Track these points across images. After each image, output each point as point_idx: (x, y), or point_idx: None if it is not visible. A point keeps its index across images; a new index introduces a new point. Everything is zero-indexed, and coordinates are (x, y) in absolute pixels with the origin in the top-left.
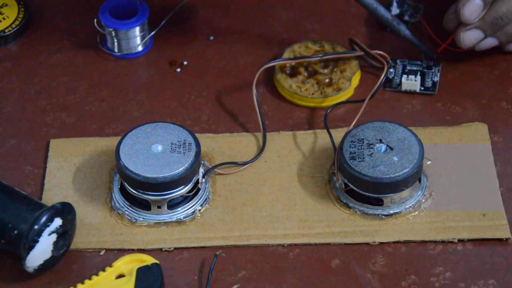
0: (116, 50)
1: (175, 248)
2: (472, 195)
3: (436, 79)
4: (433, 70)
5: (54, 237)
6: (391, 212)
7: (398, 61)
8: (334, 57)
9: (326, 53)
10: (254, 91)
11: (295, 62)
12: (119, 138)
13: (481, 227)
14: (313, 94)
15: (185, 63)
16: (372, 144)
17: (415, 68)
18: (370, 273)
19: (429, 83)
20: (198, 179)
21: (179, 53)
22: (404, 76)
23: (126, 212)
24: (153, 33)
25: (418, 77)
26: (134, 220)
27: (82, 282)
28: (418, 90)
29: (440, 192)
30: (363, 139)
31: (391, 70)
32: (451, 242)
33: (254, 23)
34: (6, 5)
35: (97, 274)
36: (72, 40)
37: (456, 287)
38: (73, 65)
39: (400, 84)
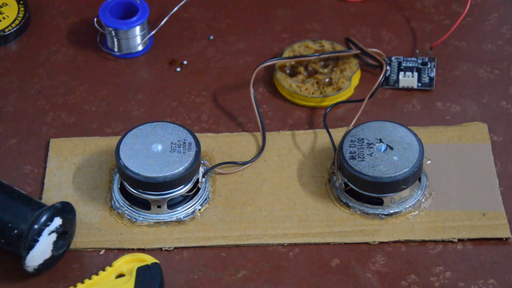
0: (116, 49)
1: (175, 248)
2: (472, 195)
3: (432, 74)
4: (428, 66)
5: (54, 236)
6: (391, 211)
7: (393, 58)
8: (332, 56)
9: (326, 52)
10: (252, 90)
11: (294, 61)
12: (119, 137)
13: (481, 226)
14: (313, 93)
15: (185, 62)
16: (372, 143)
17: (410, 65)
18: (370, 272)
19: (426, 79)
20: (198, 179)
21: (179, 52)
22: (401, 73)
23: (126, 212)
24: (153, 32)
25: (415, 74)
26: (134, 220)
27: (82, 282)
28: (415, 87)
29: (440, 191)
30: (363, 139)
31: (388, 67)
32: (451, 241)
33: (254, 23)
34: (6, 4)
35: (97, 274)
36: (72, 40)
37: (456, 287)
38: (73, 65)
39: (397, 81)
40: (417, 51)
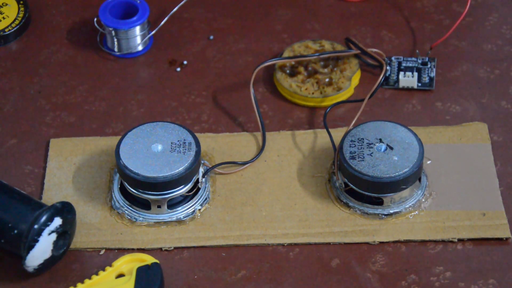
0: (116, 49)
1: (175, 248)
2: (472, 195)
3: (432, 74)
4: (428, 66)
5: (54, 236)
6: (391, 211)
7: (393, 58)
8: (332, 56)
9: (326, 52)
10: (252, 90)
11: (294, 61)
12: (119, 137)
13: (481, 226)
14: (313, 93)
15: (185, 62)
16: (372, 143)
17: (410, 65)
18: (370, 272)
19: (426, 79)
20: (198, 179)
21: (179, 52)
22: (401, 73)
23: (126, 212)
24: (153, 32)
25: (415, 74)
26: (134, 220)
27: (82, 282)
28: (415, 87)
29: (440, 191)
30: (363, 139)
31: (388, 67)
32: (451, 241)
33: (254, 23)
34: (6, 4)
35: (97, 274)
36: (72, 40)
37: (456, 287)
38: (73, 64)
39: (397, 81)
40: (417, 51)
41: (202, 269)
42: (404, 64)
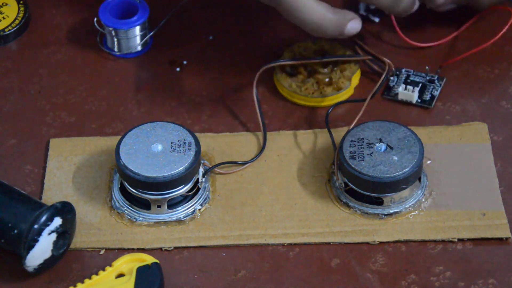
0: (116, 49)
1: (175, 248)
2: (472, 195)
3: (436, 93)
4: (434, 84)
5: (54, 236)
6: (391, 211)
7: (403, 70)
8: (336, 59)
9: (326, 52)
10: (255, 90)
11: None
12: (119, 137)
13: (481, 226)
14: (313, 93)
15: (185, 62)
16: (372, 143)
17: (417, 80)
18: (370, 272)
19: (427, 96)
20: (198, 179)
21: (179, 52)
22: (402, 86)
23: (126, 212)
24: (153, 32)
25: (417, 89)
26: (134, 220)
27: (82, 282)
28: (414, 102)
29: (440, 191)
30: (363, 139)
31: (392, 78)
32: (451, 241)
33: (254, 23)
34: (6, 4)
35: (97, 274)
36: (72, 40)
37: (456, 287)
38: (73, 64)
39: (397, 93)
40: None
41: (202, 269)
42: (411, 78)
